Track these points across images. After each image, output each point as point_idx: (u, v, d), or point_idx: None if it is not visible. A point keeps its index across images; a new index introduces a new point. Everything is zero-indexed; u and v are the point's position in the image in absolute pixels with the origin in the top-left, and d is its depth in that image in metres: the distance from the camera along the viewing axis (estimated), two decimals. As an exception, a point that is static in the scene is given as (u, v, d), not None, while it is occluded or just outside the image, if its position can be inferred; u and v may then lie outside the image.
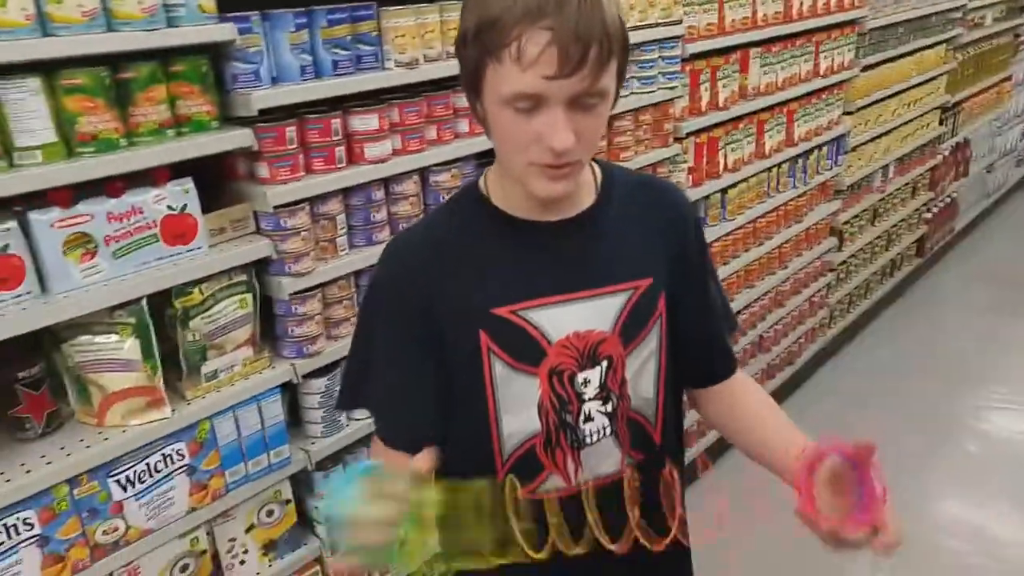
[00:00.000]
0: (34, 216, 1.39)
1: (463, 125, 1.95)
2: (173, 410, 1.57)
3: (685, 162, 2.73)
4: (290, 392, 1.80)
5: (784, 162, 3.28)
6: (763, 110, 3.06)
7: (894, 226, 4.40)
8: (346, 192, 1.77)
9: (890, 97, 4.02)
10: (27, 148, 1.38)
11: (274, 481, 1.75)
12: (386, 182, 1.83)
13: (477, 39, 0.92)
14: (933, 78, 4.47)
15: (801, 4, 3.12)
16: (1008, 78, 5.62)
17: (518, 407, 1.09)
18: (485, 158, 2.06)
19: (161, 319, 1.58)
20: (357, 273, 1.83)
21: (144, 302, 1.52)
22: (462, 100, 1.88)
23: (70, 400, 1.57)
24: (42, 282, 1.42)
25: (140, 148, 1.49)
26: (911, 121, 4.32)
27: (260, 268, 1.69)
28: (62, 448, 1.48)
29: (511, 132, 0.95)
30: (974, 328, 4.30)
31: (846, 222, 3.87)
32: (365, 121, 1.74)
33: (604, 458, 1.13)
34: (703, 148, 2.82)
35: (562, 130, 0.91)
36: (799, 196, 3.44)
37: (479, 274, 1.07)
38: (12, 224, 1.37)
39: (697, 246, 1.18)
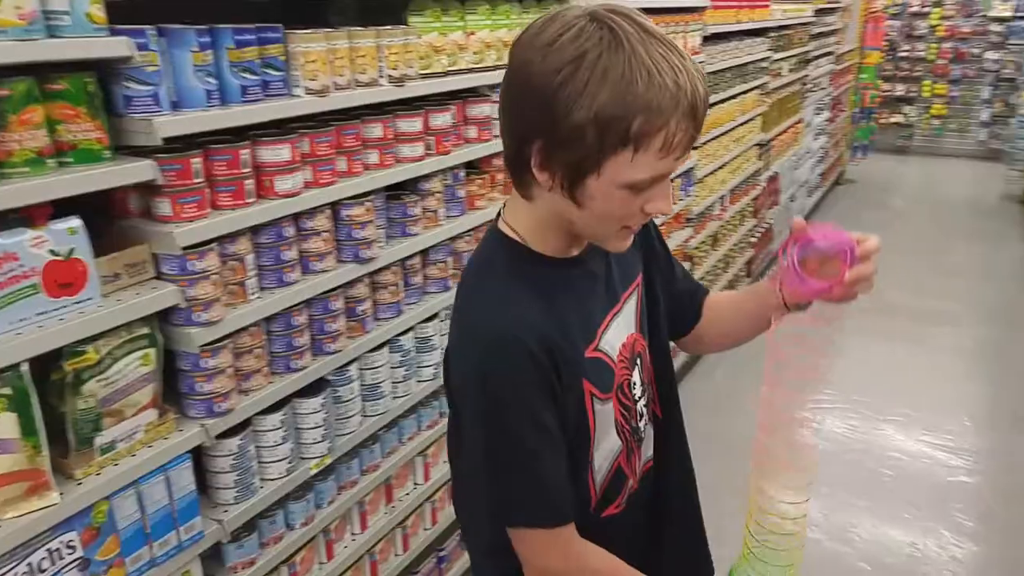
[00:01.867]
0: None
1: (373, 156, 1.85)
2: (61, 494, 1.32)
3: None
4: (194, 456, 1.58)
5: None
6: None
7: (730, 249, 4.77)
8: (255, 230, 1.60)
9: (723, 134, 4.38)
10: None
11: (184, 562, 1.52)
12: (296, 217, 1.68)
13: (613, 126, 0.90)
14: (752, 118, 4.93)
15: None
16: (800, 120, 6.36)
17: (603, 435, 1.14)
18: (395, 190, 1.97)
19: (44, 385, 1.32)
20: (269, 319, 1.65)
21: (25, 367, 1.26)
22: (372, 130, 1.80)
23: (-77, 494, 1.26)
24: None
25: (14, 181, 1.25)
26: (739, 156, 4.73)
27: (163, 318, 1.47)
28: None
29: (618, 209, 0.99)
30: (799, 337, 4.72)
31: (696, 247, 4.14)
32: (276, 152, 1.59)
33: (648, 445, 1.25)
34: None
35: (670, 197, 1.00)
36: (661, 225, 3.61)
37: (563, 326, 1.07)
38: None
39: (655, 232, 1.30)
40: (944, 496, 3.28)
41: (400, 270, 2.03)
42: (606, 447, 1.14)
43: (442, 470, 2.36)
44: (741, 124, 4.65)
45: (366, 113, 1.83)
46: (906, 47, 10.33)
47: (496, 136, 2.30)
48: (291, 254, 1.67)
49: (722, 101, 4.28)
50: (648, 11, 3.09)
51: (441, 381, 2.24)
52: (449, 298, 2.22)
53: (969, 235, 7.00)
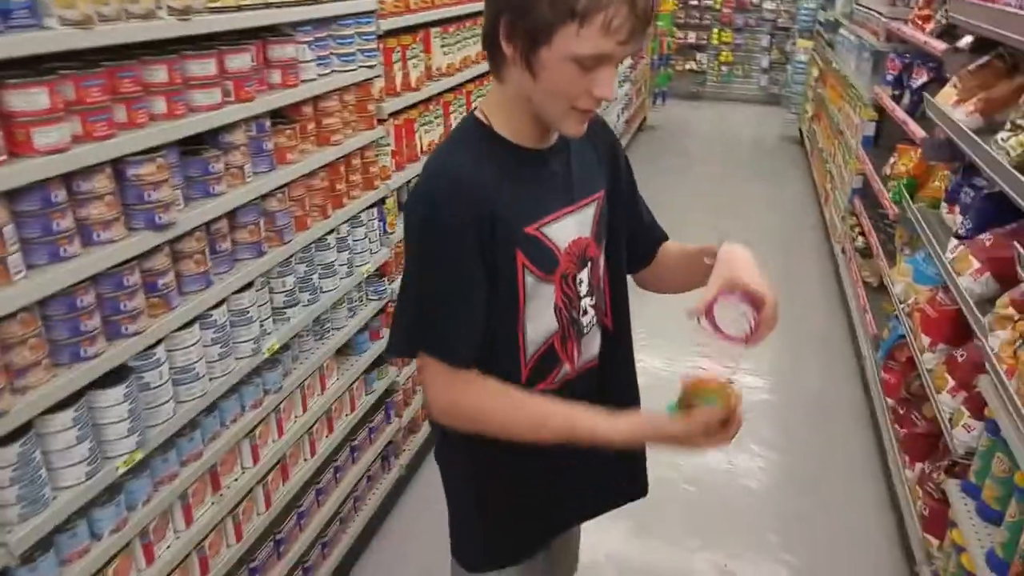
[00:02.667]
0: None
1: (159, 104, 1.59)
2: None
3: (388, 145, 2.62)
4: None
5: (468, 143, 3.34)
6: (447, 91, 3.07)
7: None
8: (12, 195, 1.32)
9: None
10: None
11: (-42, 604, 1.25)
12: (68, 179, 1.41)
13: (564, 0, 1.05)
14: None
15: (467, -13, 3.19)
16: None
17: (539, 312, 1.27)
18: (191, 144, 1.72)
19: None
20: (43, 302, 1.38)
21: None
22: (155, 73, 1.55)
23: None
24: None
25: None
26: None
27: None
28: None
29: (567, 83, 1.12)
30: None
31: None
32: (30, 97, 1.30)
33: (593, 343, 1.40)
34: (401, 130, 2.73)
35: (613, 85, 1.13)
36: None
37: (508, 198, 1.20)
38: None
39: (624, 161, 1.45)
40: (750, 414, 3.57)
41: (205, 236, 1.79)
42: (540, 325, 1.29)
43: (272, 449, 2.18)
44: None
45: (144, 53, 1.56)
46: (695, -4, 10.94)
47: (303, 81, 2.09)
48: (66, 223, 1.40)
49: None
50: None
51: (263, 356, 2.06)
52: (264, 263, 2.01)
53: (756, 174, 7.63)
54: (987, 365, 2.13)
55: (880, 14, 4.73)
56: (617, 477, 1.55)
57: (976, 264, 2.45)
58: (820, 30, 8.20)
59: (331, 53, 2.22)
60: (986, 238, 2.47)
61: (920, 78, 3.98)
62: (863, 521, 2.93)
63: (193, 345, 1.79)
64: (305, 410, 2.36)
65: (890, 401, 3.11)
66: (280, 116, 2.06)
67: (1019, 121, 2.42)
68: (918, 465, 2.70)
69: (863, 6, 5.52)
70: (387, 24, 2.48)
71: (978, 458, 2.18)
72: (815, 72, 8.01)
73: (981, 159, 2.43)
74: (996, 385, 2.04)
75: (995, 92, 2.85)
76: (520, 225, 1.22)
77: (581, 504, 1.55)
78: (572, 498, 1.50)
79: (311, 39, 2.10)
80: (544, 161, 1.27)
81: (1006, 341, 2.02)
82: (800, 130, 8.77)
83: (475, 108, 1.27)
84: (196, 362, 1.81)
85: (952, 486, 2.26)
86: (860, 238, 4.52)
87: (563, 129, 1.20)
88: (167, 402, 1.73)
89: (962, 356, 2.46)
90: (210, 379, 1.87)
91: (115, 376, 1.58)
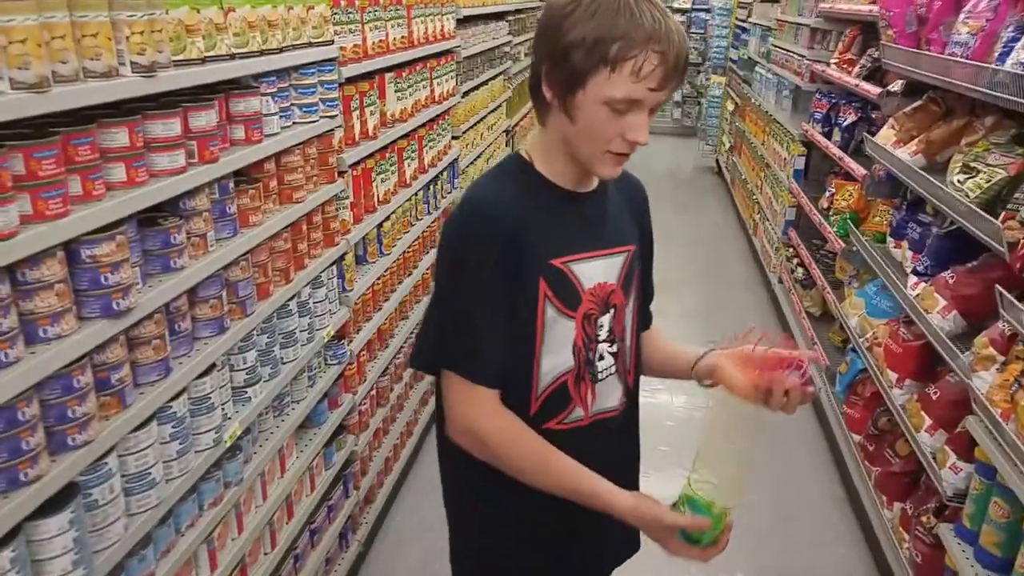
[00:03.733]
0: None
1: (118, 172, 1.36)
2: None
3: (348, 197, 2.43)
4: None
5: (420, 189, 3.19)
6: (401, 137, 2.92)
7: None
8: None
9: (479, 122, 4.26)
10: None
11: None
12: (12, 269, 1.17)
13: (597, 47, 1.13)
14: (500, 104, 4.89)
15: (418, 31, 3.05)
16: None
17: (557, 347, 1.29)
18: (152, 211, 1.50)
19: None
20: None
21: None
22: (115, 136, 1.34)
23: None
24: None
25: None
26: (492, 143, 4.66)
27: None
28: None
29: (602, 126, 1.17)
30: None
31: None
32: (-29, 176, 1.08)
33: (611, 394, 1.39)
34: (360, 181, 2.55)
35: (646, 130, 1.18)
36: (433, 221, 3.39)
37: (541, 232, 1.25)
38: None
39: (650, 226, 1.49)
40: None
41: (163, 317, 1.57)
42: (557, 359, 1.30)
43: (231, 551, 1.92)
44: (492, 111, 4.58)
45: (101, 115, 1.35)
46: (607, 34, 11.15)
47: (267, 135, 1.89)
48: (8, 322, 1.16)
49: (476, 88, 4.15)
50: (406, -9, 2.84)
51: (225, 444, 1.83)
52: (227, 340, 1.78)
53: (678, 204, 7.77)
54: (975, 407, 2.13)
55: (802, 56, 4.89)
56: (614, 535, 1.48)
57: (943, 302, 2.48)
58: (732, 67, 8.50)
59: (292, 104, 2.03)
60: (948, 276, 2.50)
61: (848, 117, 4.11)
62: (841, 563, 2.89)
63: (149, 446, 1.55)
64: (265, 498, 2.12)
65: (856, 437, 3.12)
66: (241, 175, 1.85)
67: (972, 164, 2.48)
68: (897, 505, 2.69)
69: (781, 47, 5.72)
70: (347, 71, 2.31)
71: (971, 502, 2.17)
72: (730, 106, 8.27)
73: (941, 200, 2.47)
74: (990, 428, 2.03)
75: (934, 134, 2.94)
76: (547, 256, 1.26)
77: (584, 565, 1.49)
78: (578, 555, 1.46)
79: (274, 90, 1.91)
80: (579, 203, 1.32)
81: (998, 384, 2.02)
82: (717, 161, 9.02)
83: (520, 148, 1.35)
84: (152, 466, 1.56)
85: (946, 531, 2.23)
86: (800, 269, 4.61)
87: (598, 171, 1.26)
88: (118, 519, 1.46)
89: (936, 394, 2.47)
90: (167, 481, 1.63)
91: (59, 498, 1.32)
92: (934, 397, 2.46)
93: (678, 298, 5.18)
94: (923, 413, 2.48)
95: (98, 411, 1.38)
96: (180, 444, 1.64)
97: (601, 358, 1.36)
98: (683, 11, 10.87)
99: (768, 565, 2.86)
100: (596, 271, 1.32)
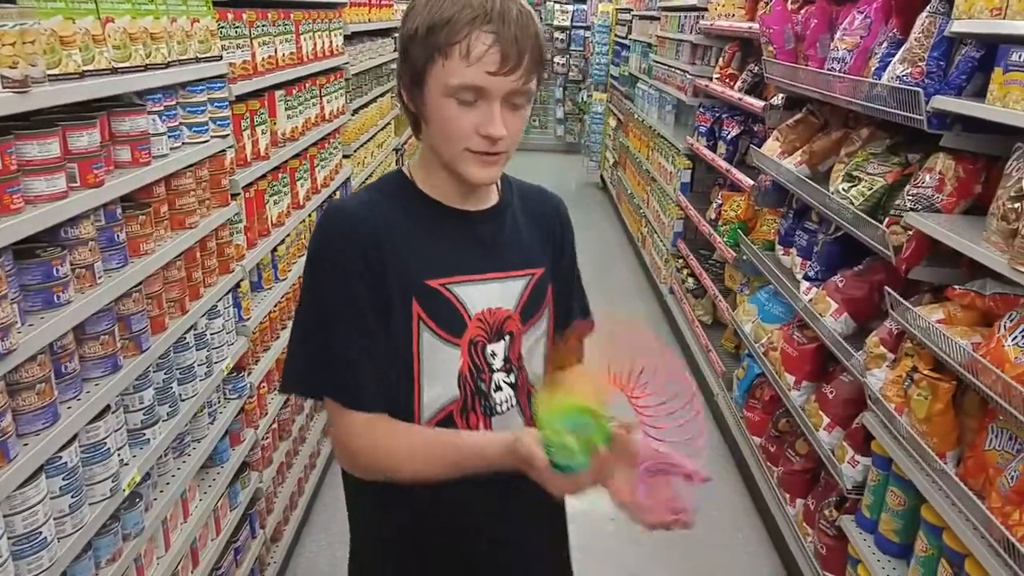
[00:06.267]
0: None
1: (39, 184, 1.22)
2: None
3: (241, 221, 2.30)
4: None
5: (313, 210, 3.07)
6: (293, 157, 2.80)
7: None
8: None
9: (369, 140, 4.17)
10: None
11: None
12: None
13: (428, 37, 1.06)
14: (389, 122, 4.81)
15: (307, 47, 2.95)
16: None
17: (439, 375, 1.19)
18: (32, 242, 1.35)
19: None
20: None
21: None
22: (32, 149, 1.20)
23: None
24: None
25: None
26: (383, 162, 4.57)
27: None
28: None
29: (453, 121, 1.09)
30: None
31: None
32: None
33: (510, 426, 1.24)
34: (253, 203, 2.42)
35: (499, 121, 1.08)
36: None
37: (413, 249, 1.16)
38: None
39: (570, 241, 1.38)
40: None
41: (48, 358, 1.41)
42: (440, 389, 1.20)
43: (136, 607, 1.76)
44: (381, 129, 4.50)
45: (21, 127, 1.20)
46: (489, 52, 11.27)
47: (156, 157, 1.76)
48: None
49: (365, 105, 4.06)
50: (290, 5, 2.73)
51: (123, 493, 1.67)
52: (121, 380, 1.63)
53: (569, 220, 7.90)
54: (870, 403, 2.25)
55: (685, 72, 5.10)
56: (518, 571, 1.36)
57: (834, 305, 2.62)
58: (614, 83, 8.77)
59: (181, 123, 1.90)
60: (838, 279, 2.65)
61: (732, 130, 4.31)
62: (749, 562, 2.99)
63: (39, 503, 1.39)
64: (168, 548, 1.96)
65: (757, 440, 3.24)
66: (127, 200, 1.71)
67: (853, 173, 2.65)
68: (799, 501, 2.81)
69: (662, 63, 5.95)
70: (237, 88, 2.19)
71: (869, 492, 2.29)
72: (612, 122, 8.52)
73: (828, 208, 2.62)
74: (885, 422, 2.16)
75: (816, 145, 3.13)
76: (420, 275, 1.17)
77: None
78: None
79: (161, 108, 1.77)
80: (468, 221, 1.22)
81: (891, 380, 2.15)
82: (602, 176, 9.27)
83: (404, 164, 1.26)
84: (43, 524, 1.40)
85: (848, 522, 2.35)
86: (690, 279, 4.78)
87: (465, 174, 1.14)
88: (5, 587, 1.31)
89: (832, 393, 2.61)
90: (59, 539, 1.47)
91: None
92: (830, 396, 2.59)
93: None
94: (821, 412, 2.61)
95: (-24, 469, 1.22)
96: (72, 497, 1.49)
97: (498, 388, 1.24)
98: (562, 28, 11.15)
99: (680, 569, 2.92)
100: (487, 295, 1.21)
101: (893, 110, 2.13)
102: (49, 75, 1.33)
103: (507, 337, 1.24)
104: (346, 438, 1.17)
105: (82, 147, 1.44)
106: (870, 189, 2.40)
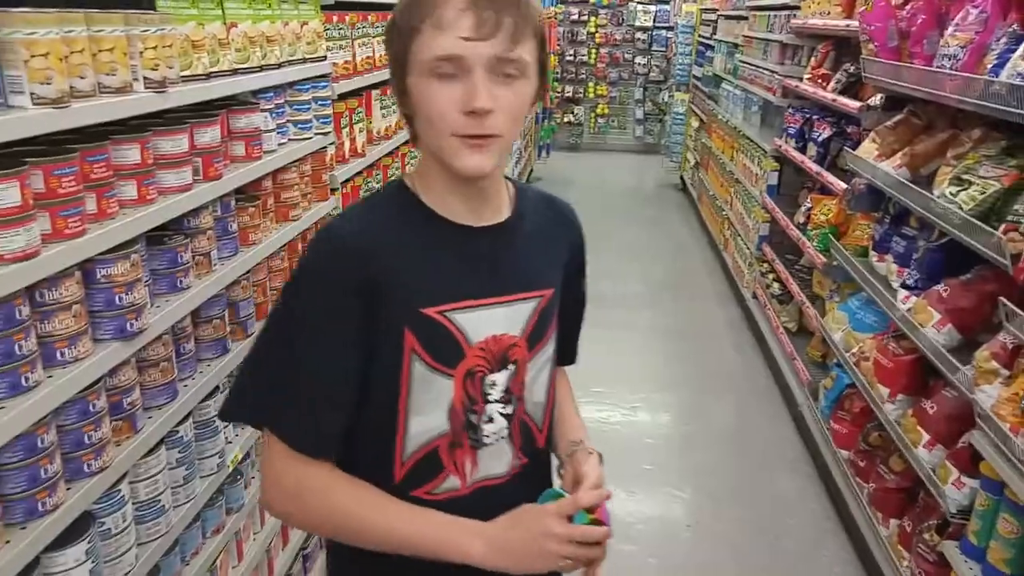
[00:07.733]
0: None
1: (129, 189, 1.32)
2: None
3: (340, 216, 2.38)
4: None
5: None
6: (386, 155, 2.89)
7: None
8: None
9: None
10: None
11: None
12: (32, 289, 1.11)
13: (403, 20, 0.97)
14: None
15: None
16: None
17: (427, 408, 1.08)
18: (160, 230, 1.45)
19: None
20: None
21: None
22: (128, 153, 1.30)
23: None
24: None
25: None
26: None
27: None
28: None
29: (434, 99, 0.97)
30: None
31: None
32: (-10, 194, 1.02)
33: (498, 459, 1.15)
34: (349, 199, 2.51)
35: (482, 91, 0.95)
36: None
37: (411, 273, 1.05)
38: None
39: (582, 262, 1.27)
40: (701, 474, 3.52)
41: (171, 338, 1.51)
42: (428, 423, 1.09)
43: (236, 577, 1.86)
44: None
45: (113, 131, 1.29)
46: (571, 51, 11.28)
47: (266, 152, 1.85)
48: (29, 344, 1.10)
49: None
50: (388, 8, 2.81)
51: (228, 469, 1.76)
52: (229, 362, 1.73)
53: (639, 221, 7.83)
54: (980, 421, 2.13)
55: (774, 72, 4.99)
56: None
57: (937, 315, 2.51)
58: (696, 84, 8.65)
59: (288, 121, 1.99)
60: (942, 289, 2.53)
61: (823, 131, 4.19)
62: (833, 578, 2.90)
63: (159, 472, 1.49)
64: (263, 525, 2.05)
65: (845, 453, 3.14)
66: (240, 193, 1.80)
67: (963, 176, 2.53)
68: (893, 522, 2.70)
69: (749, 63, 5.83)
70: (339, 88, 2.27)
71: (977, 518, 2.15)
72: (694, 123, 8.40)
73: (932, 213, 2.51)
74: (998, 443, 2.03)
75: (918, 147, 3.01)
76: (418, 303, 1.04)
77: None
78: None
79: (271, 106, 1.87)
80: (473, 238, 1.09)
81: (1005, 398, 2.04)
82: (682, 177, 9.14)
83: (404, 174, 1.15)
84: (162, 492, 1.50)
85: (951, 548, 2.22)
86: (776, 284, 4.67)
87: (455, 166, 1.01)
88: (129, 549, 1.41)
89: (932, 408, 2.49)
90: (175, 507, 1.56)
91: (74, 529, 1.26)
92: (931, 412, 2.47)
93: (649, 312, 5.21)
94: (920, 428, 2.50)
95: (112, 437, 1.33)
96: (186, 470, 1.59)
97: (490, 420, 1.13)
98: (644, 29, 11.05)
99: (764, 579, 2.86)
100: (490, 322, 1.09)
101: (1013, 109, 2.03)
102: (183, 76, 1.43)
103: (511, 366, 1.12)
104: (276, 477, 1.05)
105: (206, 143, 1.54)
106: (982, 193, 2.29)
